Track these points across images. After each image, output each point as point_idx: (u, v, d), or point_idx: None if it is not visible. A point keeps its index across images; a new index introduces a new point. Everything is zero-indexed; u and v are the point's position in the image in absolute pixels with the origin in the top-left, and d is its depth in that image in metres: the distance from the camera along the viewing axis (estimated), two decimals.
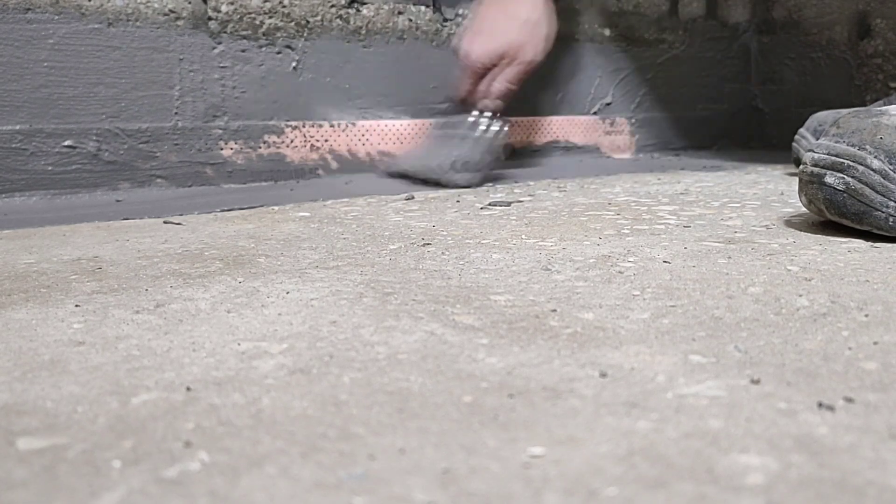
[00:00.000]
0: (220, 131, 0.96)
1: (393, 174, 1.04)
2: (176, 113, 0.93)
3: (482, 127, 0.99)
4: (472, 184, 0.96)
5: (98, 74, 0.88)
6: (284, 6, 1.00)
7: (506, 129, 1.01)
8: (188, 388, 0.34)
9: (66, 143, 0.87)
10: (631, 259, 0.56)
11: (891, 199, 0.60)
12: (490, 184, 0.98)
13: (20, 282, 0.52)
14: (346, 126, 1.06)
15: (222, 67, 0.96)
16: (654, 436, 0.28)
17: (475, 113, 1.00)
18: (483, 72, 0.98)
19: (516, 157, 1.21)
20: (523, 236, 0.65)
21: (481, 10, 1.00)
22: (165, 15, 0.92)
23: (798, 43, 1.44)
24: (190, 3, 0.93)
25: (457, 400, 0.32)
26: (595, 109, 1.31)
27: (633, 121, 1.36)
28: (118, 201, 0.87)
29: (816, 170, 0.62)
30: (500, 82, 0.99)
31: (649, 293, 0.47)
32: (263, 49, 0.99)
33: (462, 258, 0.58)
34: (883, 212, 0.60)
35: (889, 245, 0.60)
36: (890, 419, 0.30)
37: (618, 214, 0.75)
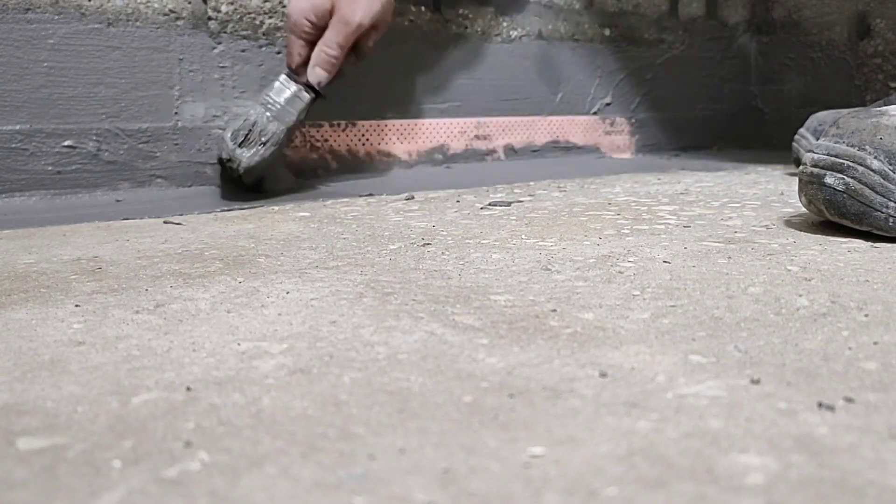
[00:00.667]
0: (221, 131, 0.96)
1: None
2: (176, 113, 0.93)
3: (285, 94, 0.87)
4: (254, 166, 0.84)
5: (98, 74, 0.88)
6: (284, 6, 1.00)
7: (307, 98, 0.87)
8: (188, 388, 0.34)
9: (66, 143, 0.87)
10: (631, 259, 0.56)
11: (890, 200, 0.60)
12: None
13: (20, 282, 0.52)
14: (346, 126, 1.06)
15: (222, 67, 0.96)
16: (654, 436, 0.28)
17: (282, 79, 0.89)
18: (312, 33, 0.87)
19: (516, 156, 1.21)
20: (523, 236, 0.65)
21: None
22: (165, 15, 0.92)
23: (798, 43, 1.44)
24: (190, 3, 0.93)
25: (457, 400, 0.32)
26: (595, 109, 1.31)
27: (633, 121, 1.36)
28: (118, 201, 0.87)
29: (816, 170, 0.62)
30: (318, 49, 0.86)
31: (649, 293, 0.47)
32: (263, 49, 0.99)
33: (462, 258, 0.58)
34: (882, 212, 0.60)
35: (889, 245, 0.60)
36: (890, 419, 0.30)
37: (618, 214, 0.75)
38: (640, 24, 1.35)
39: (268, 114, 0.86)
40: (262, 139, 0.84)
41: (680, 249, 0.59)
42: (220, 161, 0.87)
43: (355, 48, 0.89)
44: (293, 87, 0.87)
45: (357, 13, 0.84)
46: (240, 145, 0.83)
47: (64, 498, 0.25)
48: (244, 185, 0.88)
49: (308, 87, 0.88)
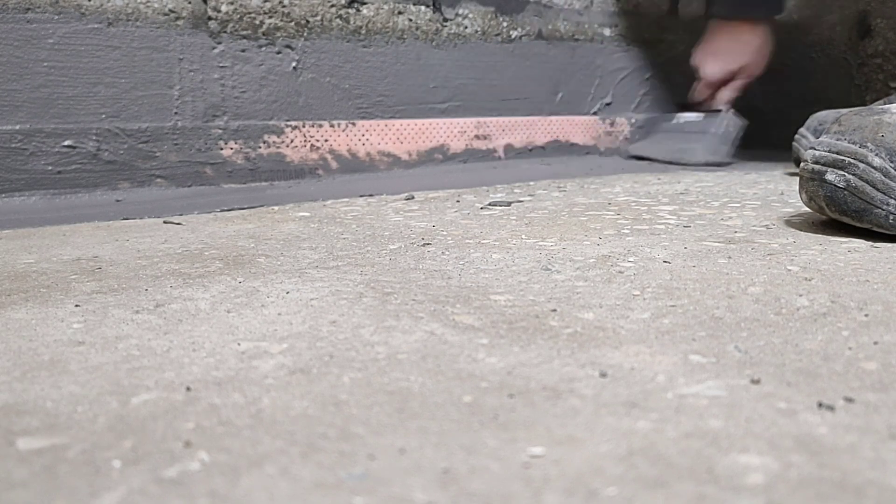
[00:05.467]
0: (220, 131, 0.96)
1: (635, 157, 1.28)
2: (176, 113, 0.93)
3: (724, 122, 1.23)
4: (723, 163, 1.20)
5: (98, 74, 0.88)
6: (284, 6, 1.00)
7: (741, 122, 1.24)
8: (188, 388, 0.34)
9: (66, 142, 0.87)
10: (631, 259, 0.56)
11: (891, 197, 0.60)
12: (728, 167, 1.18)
13: (20, 282, 0.52)
14: (346, 126, 1.06)
15: (222, 67, 0.96)
16: (654, 436, 0.28)
17: (703, 113, 1.25)
18: (718, 85, 1.24)
19: (516, 156, 1.21)
20: (523, 236, 0.65)
21: (715, 34, 1.24)
22: (165, 15, 0.92)
23: (798, 43, 1.43)
24: (190, 2, 0.93)
25: (457, 400, 0.32)
26: (595, 109, 1.31)
27: (633, 121, 1.36)
28: (118, 201, 0.87)
29: (817, 167, 0.62)
30: (730, 91, 1.25)
31: (649, 293, 0.47)
32: (263, 49, 0.99)
33: (462, 258, 0.58)
34: (883, 209, 0.60)
35: (889, 245, 0.60)
36: (890, 419, 0.30)
37: (618, 214, 0.75)
38: (640, 23, 1.35)
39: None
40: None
41: (680, 249, 0.59)
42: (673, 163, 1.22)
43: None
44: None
45: (759, 70, 1.23)
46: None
47: (64, 498, 0.25)
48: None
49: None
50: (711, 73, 1.24)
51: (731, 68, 1.23)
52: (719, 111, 1.25)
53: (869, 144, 0.60)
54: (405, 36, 1.10)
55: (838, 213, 0.62)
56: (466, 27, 1.16)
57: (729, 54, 1.23)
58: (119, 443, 0.29)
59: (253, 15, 0.98)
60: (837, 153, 0.61)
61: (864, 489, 0.25)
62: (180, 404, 0.32)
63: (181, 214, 0.80)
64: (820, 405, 0.31)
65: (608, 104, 1.32)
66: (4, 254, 0.62)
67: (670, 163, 1.22)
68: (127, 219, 0.77)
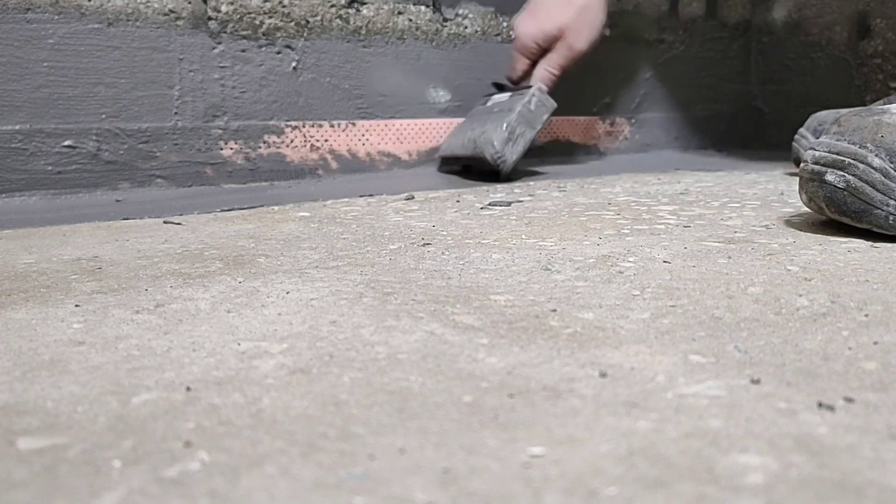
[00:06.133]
0: (220, 131, 0.96)
1: (445, 161, 1.09)
2: (176, 113, 0.93)
3: (529, 97, 0.99)
4: (511, 162, 0.98)
5: (98, 74, 0.88)
6: (284, 6, 1.00)
7: (549, 103, 1.01)
8: (188, 388, 0.34)
9: (66, 143, 0.87)
10: (631, 259, 0.56)
11: (891, 198, 0.60)
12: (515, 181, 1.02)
13: (20, 282, 0.52)
14: (346, 126, 1.06)
15: (222, 67, 0.96)
16: (654, 436, 0.28)
17: (512, 92, 1.03)
18: (536, 53, 1.01)
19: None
20: (523, 236, 0.65)
21: None
22: (165, 15, 0.92)
23: (798, 43, 1.43)
24: (190, 3, 0.93)
25: (457, 400, 0.32)
26: (595, 109, 1.31)
27: (633, 121, 1.36)
28: (118, 201, 0.87)
29: (817, 167, 0.62)
30: (546, 66, 1.01)
31: (649, 293, 0.47)
32: (263, 49, 0.99)
33: (462, 258, 0.58)
34: (883, 210, 0.60)
35: (889, 245, 0.60)
36: (890, 419, 0.30)
37: (618, 214, 0.75)
38: (640, 23, 1.35)
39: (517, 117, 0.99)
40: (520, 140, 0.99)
41: (680, 249, 0.59)
42: (474, 159, 1.01)
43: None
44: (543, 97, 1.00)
45: (582, 41, 0.99)
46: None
47: (64, 498, 0.25)
48: (495, 177, 1.01)
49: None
50: (524, 32, 1.02)
51: (546, 29, 1.01)
52: (530, 87, 1.01)
53: (869, 145, 0.60)
54: (405, 36, 1.10)
55: (838, 214, 0.62)
56: (466, 27, 1.16)
57: (547, 13, 1.01)
58: (119, 443, 0.29)
59: (253, 15, 0.98)
60: (837, 154, 0.61)
61: (864, 489, 0.25)
62: (180, 404, 0.32)
63: (181, 214, 0.80)
64: (820, 405, 0.31)
65: (608, 104, 1.32)
66: (4, 254, 0.62)
67: (470, 158, 1.02)
68: (127, 219, 0.77)
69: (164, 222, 0.75)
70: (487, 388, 0.33)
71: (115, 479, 0.26)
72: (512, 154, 0.98)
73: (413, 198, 0.88)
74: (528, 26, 1.01)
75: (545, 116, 1.00)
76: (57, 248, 0.64)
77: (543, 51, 1.01)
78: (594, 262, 0.56)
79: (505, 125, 0.97)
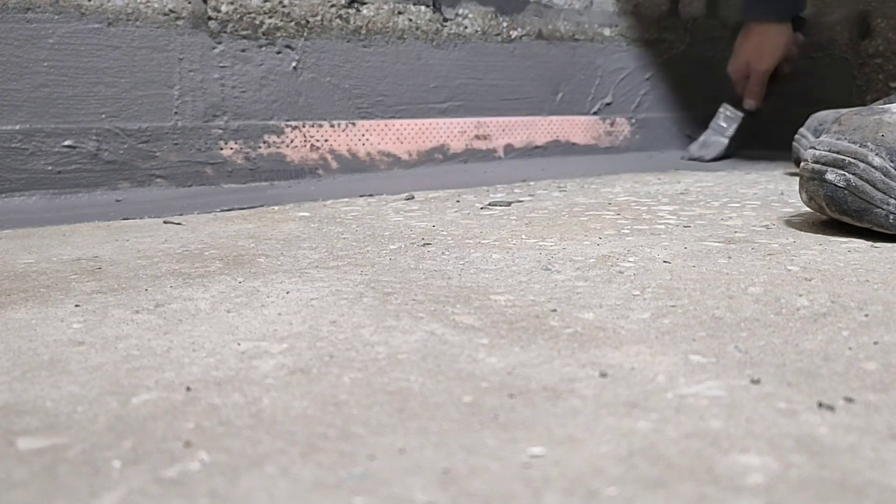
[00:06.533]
0: (220, 131, 0.96)
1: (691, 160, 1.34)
2: (176, 112, 0.93)
3: (716, 115, 1.31)
4: (707, 160, 1.29)
5: (98, 74, 0.88)
6: (284, 6, 1.00)
7: (736, 115, 1.31)
8: (188, 388, 0.34)
9: (66, 142, 0.87)
10: (631, 259, 0.56)
11: (891, 197, 0.59)
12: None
13: (20, 282, 0.52)
14: (346, 126, 1.06)
15: (222, 67, 0.96)
16: (655, 436, 0.28)
17: (720, 111, 1.32)
18: (743, 80, 1.30)
19: (516, 156, 1.21)
20: (523, 236, 0.65)
21: (739, 38, 1.31)
22: (165, 15, 0.92)
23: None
24: (190, 2, 0.93)
25: (457, 400, 0.32)
26: (595, 109, 1.31)
27: (634, 121, 1.36)
28: (118, 201, 0.87)
29: (818, 166, 0.62)
30: (747, 88, 1.31)
31: (649, 293, 0.47)
32: (263, 49, 0.99)
33: (462, 258, 0.58)
34: (883, 209, 0.60)
35: (889, 245, 0.60)
36: (890, 419, 0.30)
37: (618, 214, 0.75)
38: (640, 23, 1.35)
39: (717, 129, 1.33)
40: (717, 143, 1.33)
41: (680, 249, 0.59)
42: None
43: (775, 75, 1.29)
44: (730, 111, 1.33)
45: (764, 63, 1.26)
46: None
47: (64, 498, 0.25)
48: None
49: (745, 111, 1.31)
50: (730, 70, 1.31)
51: (737, 63, 1.30)
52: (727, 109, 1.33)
53: (869, 144, 0.60)
54: (405, 36, 1.10)
55: (838, 213, 0.62)
56: (466, 27, 1.16)
57: (736, 53, 1.31)
58: (119, 443, 0.29)
59: (253, 15, 0.98)
60: (838, 153, 0.61)
61: (865, 489, 0.25)
62: (180, 404, 0.32)
63: (181, 214, 0.80)
64: (820, 405, 0.31)
65: (608, 104, 1.32)
66: (4, 254, 0.62)
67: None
68: (127, 219, 0.77)
69: (164, 222, 0.75)
70: (487, 388, 0.33)
71: (115, 479, 0.26)
72: (707, 154, 1.30)
73: (413, 198, 0.88)
74: (731, 66, 1.30)
75: (735, 125, 1.31)
76: (57, 247, 0.64)
77: (747, 77, 1.29)
78: (594, 262, 0.56)
79: (702, 137, 1.33)
